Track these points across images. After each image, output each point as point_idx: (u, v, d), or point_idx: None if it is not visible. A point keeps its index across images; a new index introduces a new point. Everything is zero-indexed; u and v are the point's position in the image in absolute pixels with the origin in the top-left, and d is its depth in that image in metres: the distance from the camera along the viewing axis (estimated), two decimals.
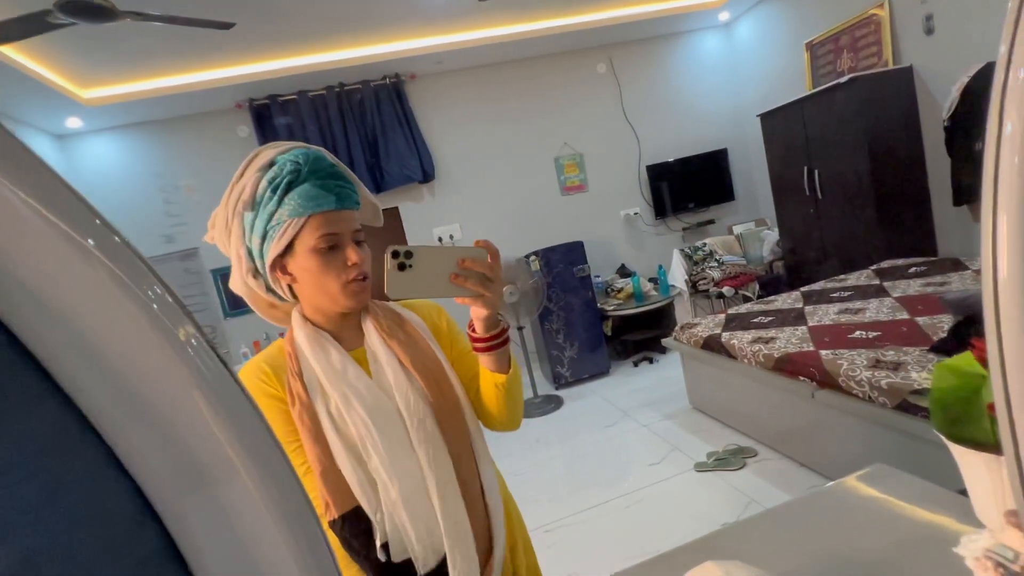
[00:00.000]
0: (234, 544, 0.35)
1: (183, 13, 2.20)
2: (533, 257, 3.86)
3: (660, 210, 4.72)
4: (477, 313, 0.71)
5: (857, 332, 2.19)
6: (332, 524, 0.71)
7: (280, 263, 0.73)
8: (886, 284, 2.81)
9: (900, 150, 3.32)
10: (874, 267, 3.16)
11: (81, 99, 3.23)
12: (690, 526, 2.06)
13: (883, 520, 0.84)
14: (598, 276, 4.49)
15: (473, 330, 0.73)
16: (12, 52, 2.51)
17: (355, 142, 4.04)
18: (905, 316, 2.25)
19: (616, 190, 4.70)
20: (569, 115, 4.56)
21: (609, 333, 4.25)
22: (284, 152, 0.72)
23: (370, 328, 0.78)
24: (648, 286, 4.38)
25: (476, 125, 4.38)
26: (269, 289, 0.77)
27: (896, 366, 1.79)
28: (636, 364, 4.13)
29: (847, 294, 2.82)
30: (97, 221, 0.31)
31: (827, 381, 1.95)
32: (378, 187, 4.10)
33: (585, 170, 4.65)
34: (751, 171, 4.87)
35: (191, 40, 2.83)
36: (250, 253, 0.73)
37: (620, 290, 4.34)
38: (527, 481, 2.73)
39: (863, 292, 2.77)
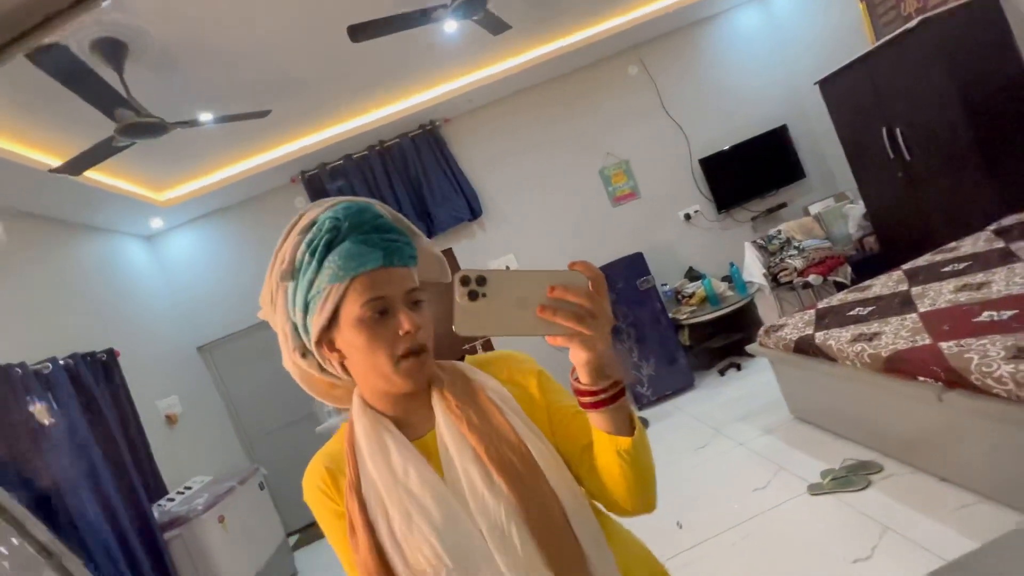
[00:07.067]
0: None
1: (222, 111, 2.36)
2: None
3: (722, 203, 4.39)
4: (577, 357, 0.53)
5: (984, 314, 1.82)
6: None
7: (327, 337, 0.62)
8: (1014, 246, 2.35)
9: (1000, 88, 2.84)
10: (993, 227, 2.68)
11: (159, 202, 3.59)
12: (814, 563, 1.78)
13: None
14: (664, 284, 4.24)
15: (577, 380, 0.56)
16: (95, 174, 2.83)
17: (402, 194, 4.16)
18: None
19: (670, 191, 4.45)
20: (607, 124, 4.41)
21: (688, 343, 3.96)
22: (327, 209, 0.62)
23: (439, 407, 0.63)
24: (722, 287, 4.06)
25: (515, 153, 4.36)
26: (323, 368, 0.66)
27: None
28: (722, 373, 3.81)
29: (963, 265, 2.40)
30: None
31: (956, 380, 1.63)
32: (430, 232, 4.17)
33: (633, 176, 4.46)
34: (818, 143, 4.42)
35: (239, 132, 3.05)
36: (295, 328, 0.64)
37: (692, 295, 4.06)
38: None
39: (984, 260, 2.34)
